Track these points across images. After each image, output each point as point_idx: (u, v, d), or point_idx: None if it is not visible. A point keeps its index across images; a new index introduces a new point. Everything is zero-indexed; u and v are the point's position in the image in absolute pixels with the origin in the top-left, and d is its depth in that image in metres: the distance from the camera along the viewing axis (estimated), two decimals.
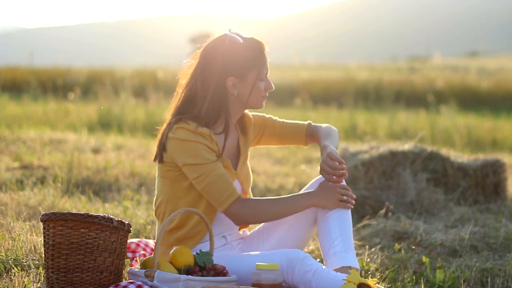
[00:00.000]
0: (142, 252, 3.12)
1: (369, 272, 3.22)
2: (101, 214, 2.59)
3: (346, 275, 2.59)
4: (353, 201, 2.84)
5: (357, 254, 3.52)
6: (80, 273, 2.57)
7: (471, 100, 16.12)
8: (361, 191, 4.67)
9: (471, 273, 3.17)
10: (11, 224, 3.52)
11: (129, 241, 3.16)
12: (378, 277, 3.17)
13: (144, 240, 3.24)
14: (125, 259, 2.88)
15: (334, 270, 2.71)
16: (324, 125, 3.05)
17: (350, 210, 2.86)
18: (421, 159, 4.85)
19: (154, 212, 2.93)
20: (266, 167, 6.54)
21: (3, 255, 3.03)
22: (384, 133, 9.81)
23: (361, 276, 3.02)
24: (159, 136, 2.84)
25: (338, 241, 2.79)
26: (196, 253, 2.70)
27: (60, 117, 10.38)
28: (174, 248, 2.69)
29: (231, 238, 2.96)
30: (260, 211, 2.80)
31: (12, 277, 2.80)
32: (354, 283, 2.52)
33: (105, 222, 2.58)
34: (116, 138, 8.03)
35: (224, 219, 2.89)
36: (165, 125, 2.83)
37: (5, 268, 2.92)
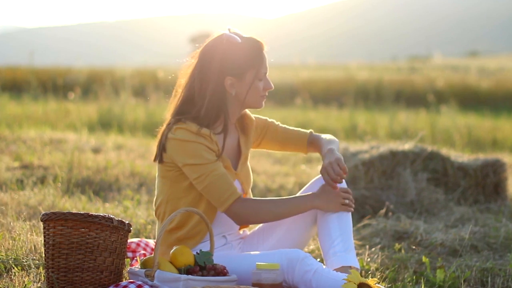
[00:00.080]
0: (142, 252, 3.12)
1: (369, 272, 3.22)
2: (101, 214, 2.59)
3: (347, 274, 2.59)
4: (353, 205, 2.86)
5: (358, 254, 3.52)
6: (80, 273, 2.57)
7: (471, 100, 16.12)
8: (361, 191, 4.67)
9: (471, 273, 3.17)
10: (11, 223, 3.52)
11: (129, 240, 3.16)
12: (379, 277, 3.17)
13: (144, 240, 3.24)
14: (125, 259, 2.88)
15: (334, 270, 2.71)
16: (325, 135, 3.08)
17: None
18: (421, 159, 4.85)
19: (154, 212, 2.92)
20: (266, 167, 6.54)
21: (3, 254, 3.03)
22: (384, 133, 9.81)
23: (361, 276, 3.03)
24: (159, 136, 2.83)
25: (338, 240, 2.79)
26: (196, 252, 2.70)
27: (60, 117, 10.39)
28: (174, 248, 2.69)
29: (231, 238, 2.96)
30: (261, 211, 2.80)
31: (12, 276, 2.80)
32: (355, 283, 2.52)
33: (105, 222, 2.58)
34: (116, 138, 8.03)
35: (224, 219, 2.88)
36: (164, 126, 2.83)
37: (5, 267, 2.92)
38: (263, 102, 2.88)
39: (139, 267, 2.67)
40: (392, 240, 3.84)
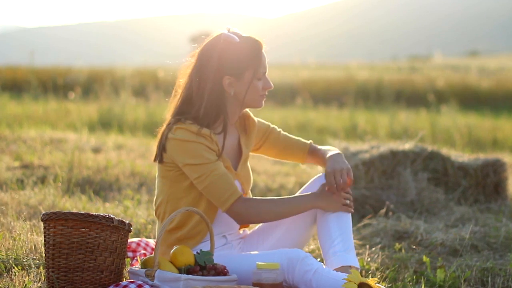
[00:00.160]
0: (143, 251, 3.12)
1: (370, 272, 3.22)
2: (101, 214, 2.59)
3: (347, 274, 2.59)
4: (352, 206, 2.87)
5: (358, 254, 3.52)
6: (80, 273, 2.57)
7: (472, 99, 16.12)
8: (362, 191, 4.67)
9: (471, 273, 3.17)
10: (12, 223, 3.52)
11: (129, 240, 3.16)
12: (379, 276, 3.17)
13: (144, 239, 3.24)
14: (126, 259, 2.88)
15: (335, 269, 2.72)
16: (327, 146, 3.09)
17: None
18: (422, 158, 4.85)
19: (154, 212, 2.92)
20: (267, 166, 6.54)
21: (4, 254, 3.03)
22: (384, 132, 9.81)
23: (361, 275, 3.02)
24: (159, 136, 2.83)
25: (338, 240, 2.79)
26: (197, 252, 2.70)
27: (60, 117, 10.39)
28: (174, 248, 2.69)
29: (231, 237, 2.96)
30: (262, 211, 2.80)
31: (12, 276, 2.80)
32: (355, 283, 2.52)
33: (106, 222, 2.58)
34: (117, 138, 8.03)
35: (224, 218, 2.89)
36: (164, 126, 2.83)
37: (5, 267, 2.93)
38: (263, 102, 2.88)
39: (140, 266, 2.67)
40: (393, 240, 3.84)
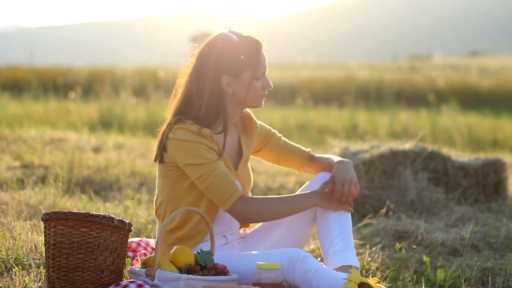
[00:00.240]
0: (143, 251, 3.12)
1: (370, 272, 3.22)
2: (102, 213, 2.59)
3: (347, 274, 2.59)
4: (352, 205, 2.88)
5: (358, 253, 3.52)
6: (81, 272, 2.57)
7: (472, 99, 16.12)
8: (362, 190, 4.67)
9: (472, 273, 3.17)
10: (12, 223, 3.52)
11: (130, 240, 3.16)
12: (379, 276, 3.17)
13: (145, 239, 3.24)
14: (126, 258, 2.88)
15: (335, 269, 2.72)
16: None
17: None
18: (422, 158, 4.85)
19: (154, 212, 2.92)
20: (267, 166, 6.54)
21: (4, 254, 3.03)
22: (384, 132, 9.81)
23: (361, 275, 3.02)
24: (159, 136, 2.83)
25: (338, 240, 2.79)
26: (197, 252, 2.70)
27: (61, 116, 10.39)
28: (175, 248, 2.69)
29: (232, 237, 2.96)
30: (264, 210, 2.79)
31: (13, 276, 2.80)
32: (355, 282, 2.51)
33: (106, 222, 2.58)
34: (117, 137, 8.04)
35: (224, 218, 2.89)
36: (165, 125, 2.83)
37: (6, 267, 2.93)
38: (263, 102, 2.87)
39: (140, 266, 2.67)
40: (393, 240, 3.84)
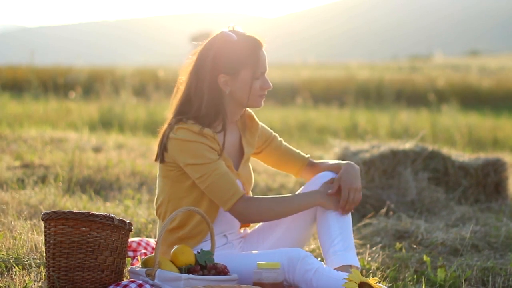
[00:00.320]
0: (143, 251, 3.12)
1: (370, 271, 3.22)
2: (102, 213, 2.59)
3: (347, 274, 2.59)
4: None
5: (358, 253, 3.52)
6: (81, 272, 2.57)
7: (472, 99, 16.12)
8: (362, 190, 4.66)
9: (472, 272, 3.17)
10: (12, 223, 3.52)
11: (130, 240, 3.16)
12: (379, 276, 3.16)
13: (145, 239, 3.24)
14: (126, 258, 2.88)
15: (335, 269, 2.71)
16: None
17: None
18: (422, 158, 4.85)
19: (155, 211, 2.92)
20: (267, 166, 6.54)
21: (4, 254, 3.03)
22: (385, 132, 9.81)
23: (362, 275, 3.02)
24: (160, 136, 2.83)
25: (338, 239, 2.79)
26: (197, 252, 2.70)
27: (61, 116, 10.39)
28: (175, 247, 2.69)
29: (232, 237, 2.96)
30: (264, 209, 2.79)
31: (13, 276, 2.80)
32: (355, 282, 2.51)
33: (106, 221, 2.58)
34: (117, 137, 8.04)
35: (225, 218, 2.88)
36: (166, 125, 2.83)
37: (6, 267, 2.93)
38: (262, 102, 2.86)
39: (140, 266, 2.67)
40: (393, 239, 3.84)
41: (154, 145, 2.88)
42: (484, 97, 16.38)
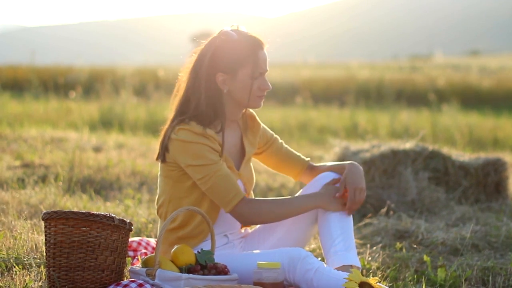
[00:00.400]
0: (144, 250, 3.12)
1: (371, 271, 3.22)
2: (102, 213, 2.59)
3: (348, 273, 2.59)
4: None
5: (359, 253, 3.52)
6: (81, 272, 2.57)
7: (473, 99, 16.12)
8: None
9: (472, 272, 3.17)
10: (13, 222, 3.53)
11: (130, 239, 3.16)
12: (380, 276, 3.16)
13: (145, 238, 3.24)
14: (127, 258, 2.88)
15: (335, 268, 2.71)
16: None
17: None
18: (423, 157, 4.85)
19: (156, 211, 2.92)
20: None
21: (5, 253, 3.03)
22: (385, 131, 9.81)
23: (362, 274, 3.02)
24: (162, 136, 2.82)
25: (339, 239, 2.79)
26: (198, 251, 2.69)
27: (61, 116, 10.39)
28: (175, 247, 2.69)
29: (233, 237, 2.96)
30: (265, 211, 2.79)
31: (13, 275, 2.80)
32: (356, 282, 2.51)
33: (107, 221, 2.58)
34: (118, 137, 8.03)
35: (226, 218, 2.88)
36: (167, 125, 2.82)
37: (6, 266, 2.93)
38: (261, 102, 2.85)
39: (140, 266, 2.66)
40: (393, 239, 3.84)
41: (155, 144, 2.89)
42: (485, 97, 16.38)
